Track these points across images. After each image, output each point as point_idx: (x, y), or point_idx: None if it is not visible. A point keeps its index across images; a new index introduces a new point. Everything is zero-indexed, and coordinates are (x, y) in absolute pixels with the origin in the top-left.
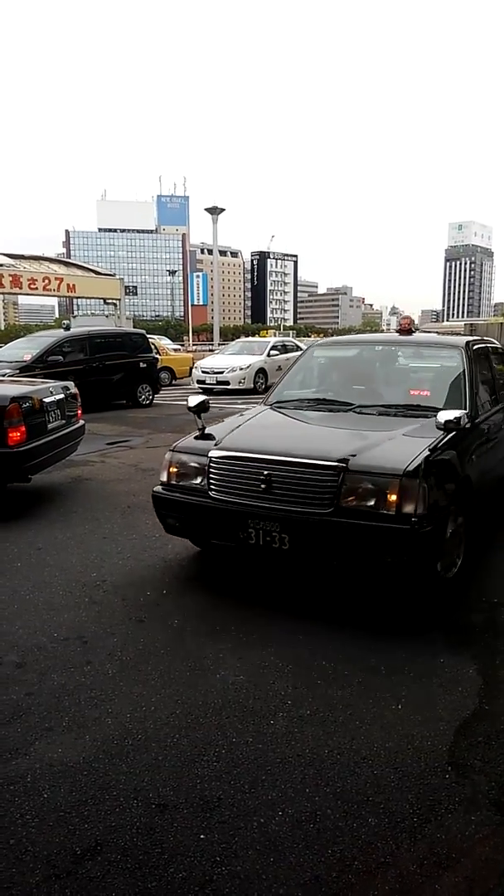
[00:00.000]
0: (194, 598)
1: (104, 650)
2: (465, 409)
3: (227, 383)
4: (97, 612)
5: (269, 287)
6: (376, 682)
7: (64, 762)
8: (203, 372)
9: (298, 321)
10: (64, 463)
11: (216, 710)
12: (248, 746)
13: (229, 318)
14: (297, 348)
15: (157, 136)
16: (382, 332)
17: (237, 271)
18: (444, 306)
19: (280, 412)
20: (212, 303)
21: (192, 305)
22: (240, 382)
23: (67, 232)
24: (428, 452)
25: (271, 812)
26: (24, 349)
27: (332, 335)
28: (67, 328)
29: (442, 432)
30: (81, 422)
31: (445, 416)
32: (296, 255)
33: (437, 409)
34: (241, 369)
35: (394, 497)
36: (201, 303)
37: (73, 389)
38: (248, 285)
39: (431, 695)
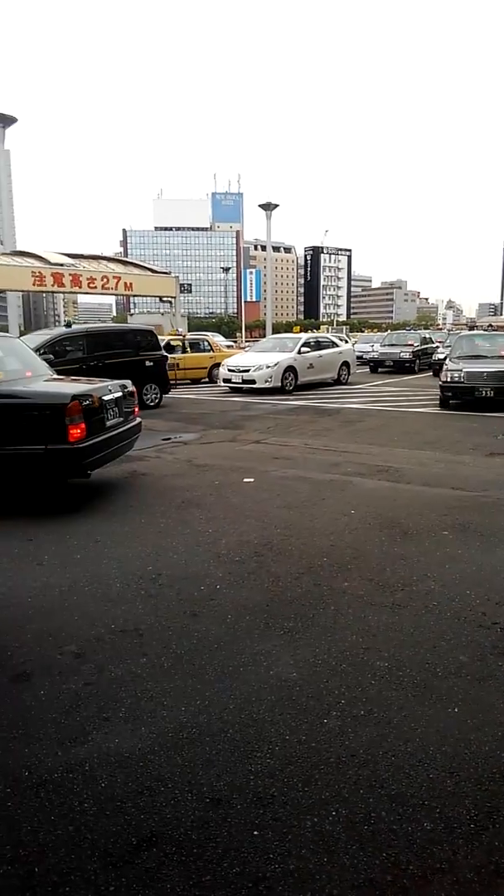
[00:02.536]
0: (247, 593)
1: (160, 643)
2: None
3: (253, 382)
4: (153, 605)
5: (322, 282)
6: (433, 685)
7: (121, 753)
8: (229, 370)
9: (352, 316)
10: (121, 458)
11: (269, 707)
12: (301, 745)
13: (282, 314)
14: (334, 344)
15: (212, 134)
16: (438, 327)
17: (290, 267)
18: (502, 299)
19: None
20: (265, 299)
21: (246, 302)
22: (266, 381)
23: (125, 231)
24: None
25: (325, 811)
26: None
27: (387, 330)
28: (69, 325)
29: None
30: (138, 419)
31: None
32: (350, 250)
33: None
34: (268, 367)
35: None
36: (254, 299)
37: (131, 388)
38: (302, 281)
39: (489, 699)
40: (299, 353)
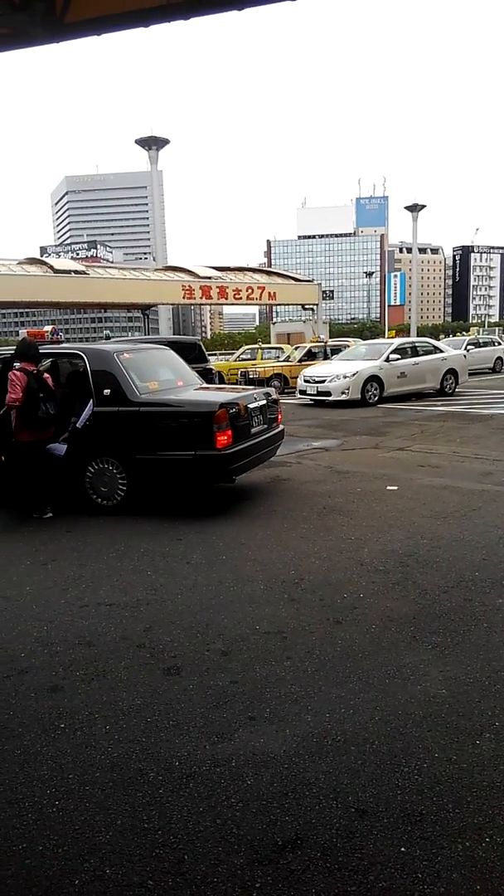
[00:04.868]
0: (392, 604)
1: (303, 647)
2: None
3: (329, 394)
4: (296, 610)
5: (472, 282)
6: None
7: (266, 753)
8: (305, 381)
9: None
10: (264, 464)
11: (417, 722)
12: (451, 764)
13: (428, 317)
14: (436, 350)
15: (357, 139)
16: None
17: (437, 268)
18: None
19: None
20: (409, 302)
21: (389, 306)
22: (343, 393)
23: (269, 242)
24: None
25: (478, 836)
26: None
27: None
28: (108, 338)
29: None
30: (281, 426)
31: None
32: (503, 248)
33: None
34: (346, 377)
35: None
36: (398, 303)
37: (275, 395)
38: (450, 282)
39: None
40: (387, 360)
